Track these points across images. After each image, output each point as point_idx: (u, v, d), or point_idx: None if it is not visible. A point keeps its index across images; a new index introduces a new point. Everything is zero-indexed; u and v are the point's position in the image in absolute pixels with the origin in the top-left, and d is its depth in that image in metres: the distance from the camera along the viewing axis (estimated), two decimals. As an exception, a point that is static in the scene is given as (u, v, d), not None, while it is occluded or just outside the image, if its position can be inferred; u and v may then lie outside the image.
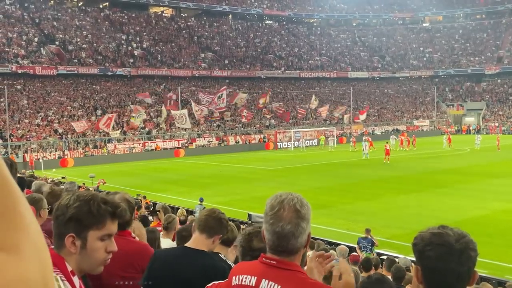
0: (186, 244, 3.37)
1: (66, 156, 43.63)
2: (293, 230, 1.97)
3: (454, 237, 1.79)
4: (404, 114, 73.41)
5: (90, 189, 18.78)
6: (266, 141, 55.71)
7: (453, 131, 68.06)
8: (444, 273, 1.77)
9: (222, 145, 52.77)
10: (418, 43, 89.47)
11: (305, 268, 2.27)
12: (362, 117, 63.43)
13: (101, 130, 47.58)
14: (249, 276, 2.08)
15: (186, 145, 50.97)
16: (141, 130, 51.70)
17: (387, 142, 39.83)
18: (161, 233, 6.30)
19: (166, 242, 5.57)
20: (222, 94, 54.20)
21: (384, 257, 10.41)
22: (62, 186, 10.99)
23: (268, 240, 2.04)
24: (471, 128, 67.96)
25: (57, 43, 59.82)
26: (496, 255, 13.35)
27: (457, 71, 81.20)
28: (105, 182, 25.30)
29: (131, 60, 63.03)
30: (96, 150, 46.26)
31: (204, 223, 3.28)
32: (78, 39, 61.61)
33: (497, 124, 66.98)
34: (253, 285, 2.05)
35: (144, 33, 69.30)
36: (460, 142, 51.76)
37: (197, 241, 3.27)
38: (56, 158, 43.08)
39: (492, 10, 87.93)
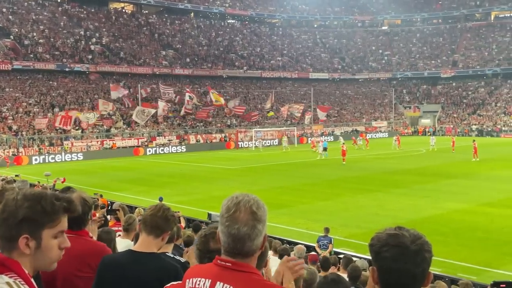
0: (134, 247, 3.21)
1: (20, 154, 42.34)
2: (249, 233, 1.95)
3: (410, 238, 1.82)
4: (363, 115, 74.67)
5: (46, 187, 18.22)
6: (227, 140, 55.61)
7: (409, 132, 69.96)
8: (399, 274, 1.80)
9: (183, 143, 52.31)
10: (377, 45, 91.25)
11: (264, 270, 2.26)
12: (322, 114, 63.65)
13: (57, 128, 46.43)
14: (203, 279, 2.04)
15: (146, 143, 50.28)
16: (100, 127, 50.72)
17: (343, 143, 40.49)
18: (120, 233, 6.18)
19: (125, 243, 5.45)
20: (192, 97, 54.69)
21: (342, 255, 10.56)
22: (14, 185, 10.65)
23: (223, 242, 2.00)
24: (427, 130, 69.78)
25: (12, 37, 57.99)
26: (449, 253, 13.75)
27: (414, 74, 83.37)
28: (64, 181, 24.51)
29: (90, 56, 61.71)
30: (52, 147, 45.04)
31: (150, 223, 3.13)
32: (35, 34, 59.90)
33: (452, 126, 69.07)
34: None
35: (104, 29, 67.96)
36: (415, 143, 53.07)
37: (146, 243, 3.13)
38: (10, 155, 41.74)
39: (448, 15, 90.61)
